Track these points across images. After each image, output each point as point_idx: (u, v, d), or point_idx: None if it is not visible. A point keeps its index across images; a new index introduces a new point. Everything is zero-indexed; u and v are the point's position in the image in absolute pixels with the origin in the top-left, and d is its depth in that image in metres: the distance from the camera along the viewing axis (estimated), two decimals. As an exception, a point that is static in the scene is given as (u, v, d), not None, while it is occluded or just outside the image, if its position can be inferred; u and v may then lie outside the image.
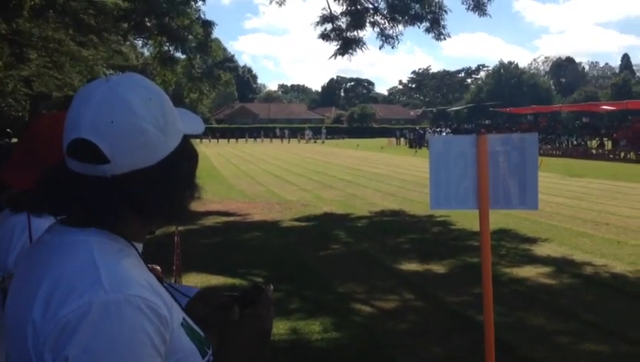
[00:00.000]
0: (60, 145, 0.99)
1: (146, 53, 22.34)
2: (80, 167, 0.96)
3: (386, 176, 19.48)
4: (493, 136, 2.13)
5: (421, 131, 50.30)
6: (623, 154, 28.68)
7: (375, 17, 13.78)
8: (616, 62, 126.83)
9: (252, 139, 57.77)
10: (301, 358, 4.39)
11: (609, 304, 5.56)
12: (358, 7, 13.67)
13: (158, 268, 1.91)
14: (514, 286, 6.21)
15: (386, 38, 13.76)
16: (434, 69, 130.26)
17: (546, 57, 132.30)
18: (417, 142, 43.24)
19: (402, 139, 51.59)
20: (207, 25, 16.75)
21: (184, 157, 1.06)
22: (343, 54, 14.05)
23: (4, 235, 1.76)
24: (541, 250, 7.92)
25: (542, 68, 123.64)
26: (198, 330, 1.06)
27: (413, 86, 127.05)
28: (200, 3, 16.61)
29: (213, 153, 35.66)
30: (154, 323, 0.91)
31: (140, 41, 20.33)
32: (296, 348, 4.54)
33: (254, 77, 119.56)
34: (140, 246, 1.05)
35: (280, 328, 4.84)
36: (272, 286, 1.29)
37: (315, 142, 58.39)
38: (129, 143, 0.96)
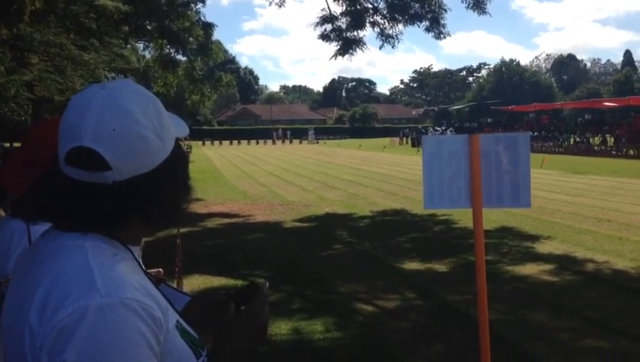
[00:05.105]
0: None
1: (147, 56, 22.38)
2: (80, 174, 0.97)
3: (387, 176, 19.48)
4: (486, 136, 2.15)
5: (423, 131, 50.26)
6: (625, 150, 28.63)
7: (375, 17, 13.81)
8: (618, 59, 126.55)
9: (254, 142, 57.73)
10: (303, 358, 4.41)
11: (611, 300, 5.57)
12: (358, 7, 13.69)
13: (161, 270, 1.93)
14: (516, 283, 6.21)
15: (386, 38, 13.78)
16: (435, 68, 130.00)
17: (547, 55, 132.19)
18: (419, 141, 43.23)
19: (406, 139, 51.41)
20: (208, 27, 16.78)
21: (178, 160, 1.08)
22: (343, 54, 14.06)
23: (4, 239, 1.78)
24: (543, 247, 7.93)
25: (543, 65, 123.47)
26: (191, 332, 1.07)
27: (415, 85, 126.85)
28: (200, 5, 16.65)
29: (215, 155, 35.72)
30: (149, 325, 0.92)
31: (141, 44, 20.41)
32: (298, 348, 4.56)
33: (256, 78, 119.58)
34: (136, 249, 1.07)
35: (282, 328, 4.86)
36: (267, 283, 1.31)
37: (317, 142, 58.35)
38: (130, 150, 0.98)
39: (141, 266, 1.06)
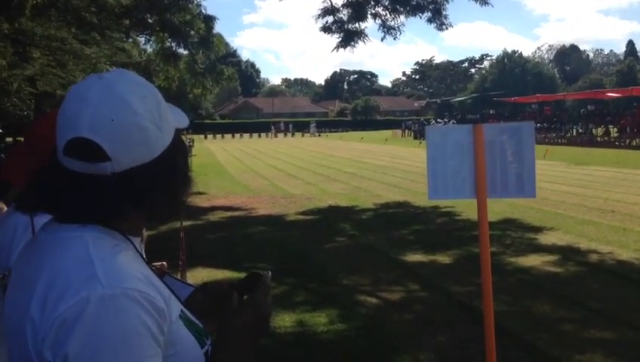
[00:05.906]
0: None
1: (149, 49, 22.36)
2: (78, 165, 0.97)
3: (390, 168, 19.46)
4: (490, 126, 2.14)
5: (425, 123, 50.15)
6: (628, 141, 28.53)
7: (376, 9, 13.72)
8: (620, 49, 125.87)
9: (256, 135, 57.62)
10: (307, 350, 4.41)
11: (614, 291, 5.56)
12: (359, -2, 13.62)
13: (164, 263, 1.93)
14: (519, 275, 6.21)
15: (387, 30, 13.70)
16: (437, 60, 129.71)
17: (549, 45, 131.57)
18: (422, 133, 43.17)
19: (408, 131, 51.26)
20: (209, 19, 16.74)
21: (178, 151, 1.07)
22: (344, 47, 13.99)
23: (7, 233, 1.77)
24: (546, 238, 7.92)
25: (546, 56, 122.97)
26: (196, 322, 1.07)
27: (417, 77, 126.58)
28: (200, -3, 16.60)
29: (217, 149, 35.72)
30: (152, 315, 0.91)
31: (143, 38, 20.39)
32: (302, 340, 4.57)
33: (257, 71, 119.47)
34: (137, 240, 1.06)
35: (286, 321, 4.87)
36: (270, 273, 1.30)
37: (319, 135, 58.24)
38: (129, 141, 0.97)
39: (143, 257, 1.05)
